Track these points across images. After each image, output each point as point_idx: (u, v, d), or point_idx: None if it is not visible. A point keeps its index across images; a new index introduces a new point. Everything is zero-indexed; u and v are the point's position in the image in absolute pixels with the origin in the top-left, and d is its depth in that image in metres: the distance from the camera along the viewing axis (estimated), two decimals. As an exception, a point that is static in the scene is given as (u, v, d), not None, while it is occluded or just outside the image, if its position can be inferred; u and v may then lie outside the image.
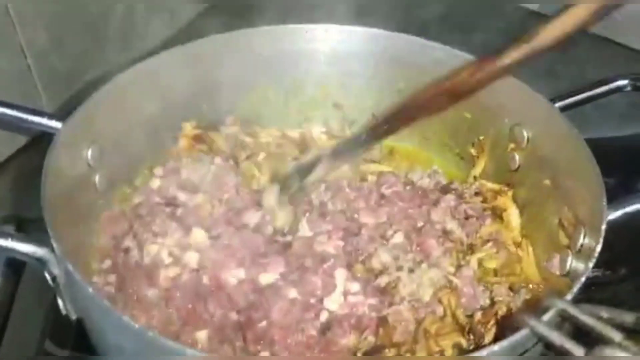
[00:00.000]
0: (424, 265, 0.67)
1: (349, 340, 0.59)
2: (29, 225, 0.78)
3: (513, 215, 0.74)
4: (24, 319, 0.72)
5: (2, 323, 0.72)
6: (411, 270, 0.66)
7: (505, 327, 0.52)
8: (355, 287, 0.62)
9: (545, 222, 0.71)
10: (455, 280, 0.66)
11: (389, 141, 0.81)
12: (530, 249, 0.71)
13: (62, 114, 0.66)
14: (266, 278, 0.62)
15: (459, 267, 0.69)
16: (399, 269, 0.66)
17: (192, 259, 0.63)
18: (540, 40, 0.52)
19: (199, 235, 0.65)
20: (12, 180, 0.89)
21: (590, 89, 0.76)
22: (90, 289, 0.50)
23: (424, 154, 0.86)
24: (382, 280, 0.65)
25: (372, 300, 0.62)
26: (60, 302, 0.58)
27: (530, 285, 0.68)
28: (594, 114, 0.86)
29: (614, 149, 0.92)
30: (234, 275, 0.61)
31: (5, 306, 0.73)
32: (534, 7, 1.23)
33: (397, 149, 0.86)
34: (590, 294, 0.73)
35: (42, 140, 0.74)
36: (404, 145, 0.86)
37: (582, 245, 0.62)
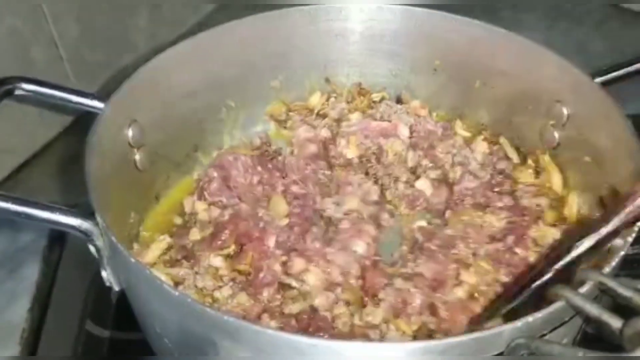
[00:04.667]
0: None
1: None
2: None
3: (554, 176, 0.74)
4: (66, 298, 0.76)
5: (45, 301, 0.75)
6: None
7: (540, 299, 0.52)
8: None
9: (585, 200, 0.70)
10: None
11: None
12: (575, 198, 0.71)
13: (101, 95, 0.68)
14: None
15: None
16: None
17: None
18: None
19: None
20: (53, 165, 0.92)
21: (631, 63, 0.73)
22: (133, 259, 0.51)
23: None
24: None
25: None
26: (104, 273, 0.60)
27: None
28: (637, 89, 0.84)
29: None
30: None
31: (47, 285, 0.77)
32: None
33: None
34: (631, 271, 0.73)
35: (78, 126, 0.76)
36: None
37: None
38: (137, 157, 0.71)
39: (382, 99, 0.85)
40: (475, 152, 0.79)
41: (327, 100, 0.86)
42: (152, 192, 0.75)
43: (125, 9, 0.99)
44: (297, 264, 0.65)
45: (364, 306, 0.62)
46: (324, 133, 0.81)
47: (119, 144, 0.68)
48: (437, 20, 0.80)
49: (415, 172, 0.77)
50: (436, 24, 0.80)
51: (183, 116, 0.78)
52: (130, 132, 0.69)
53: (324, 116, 0.84)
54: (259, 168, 0.76)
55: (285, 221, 0.70)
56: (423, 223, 0.70)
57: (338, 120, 0.83)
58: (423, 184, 0.75)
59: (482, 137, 0.81)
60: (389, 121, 0.81)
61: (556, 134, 0.75)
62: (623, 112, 0.65)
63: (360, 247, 0.68)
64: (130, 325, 0.64)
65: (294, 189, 0.74)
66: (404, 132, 0.80)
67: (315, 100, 0.85)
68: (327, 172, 0.78)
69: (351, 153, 0.79)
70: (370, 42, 0.83)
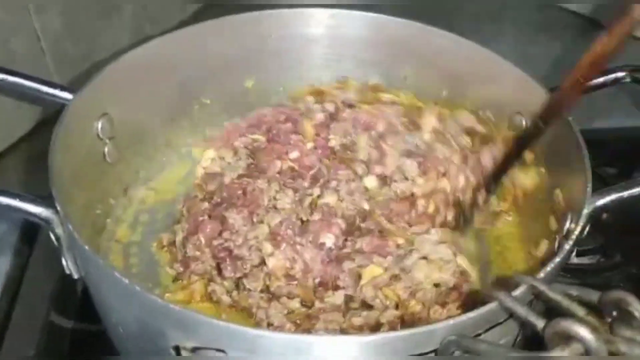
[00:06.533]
0: None
1: None
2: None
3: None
4: (35, 290, 0.75)
5: (14, 293, 0.75)
6: None
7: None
8: None
9: (538, 209, 0.72)
10: None
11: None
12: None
13: (75, 87, 0.69)
14: None
15: None
16: None
17: None
18: None
19: None
20: (27, 158, 0.92)
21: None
22: (87, 247, 0.53)
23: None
24: None
25: None
26: (63, 261, 0.61)
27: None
28: (602, 104, 0.86)
29: (620, 140, 0.91)
30: None
31: (18, 277, 0.77)
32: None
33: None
34: (583, 279, 0.75)
35: (51, 122, 0.76)
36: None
37: (568, 230, 0.62)
38: (106, 149, 0.72)
39: (393, 102, 0.85)
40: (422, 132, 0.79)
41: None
42: (121, 186, 0.77)
43: (110, 4, 1.00)
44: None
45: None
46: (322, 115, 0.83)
47: (88, 135, 0.69)
48: (406, 30, 0.82)
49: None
50: (406, 33, 0.82)
51: (155, 111, 0.79)
52: (99, 125, 0.70)
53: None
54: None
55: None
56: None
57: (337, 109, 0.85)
58: (369, 182, 0.77)
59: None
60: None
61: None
62: (575, 125, 0.67)
63: (329, 239, 0.69)
64: (93, 317, 0.65)
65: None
66: (380, 127, 0.80)
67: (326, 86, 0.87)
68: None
69: (334, 141, 0.81)
70: (341, 48, 0.85)
